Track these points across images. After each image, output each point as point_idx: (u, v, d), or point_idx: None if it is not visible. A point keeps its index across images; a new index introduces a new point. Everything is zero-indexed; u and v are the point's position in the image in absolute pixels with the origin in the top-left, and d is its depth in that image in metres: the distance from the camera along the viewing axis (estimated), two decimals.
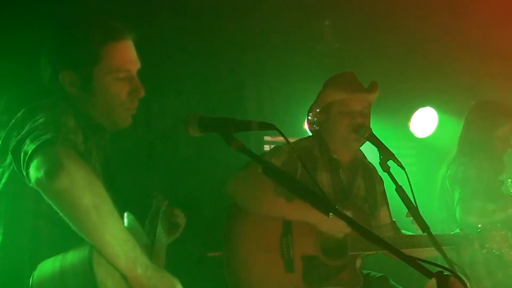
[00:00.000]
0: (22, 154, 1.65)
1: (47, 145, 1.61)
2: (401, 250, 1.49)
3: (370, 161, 3.14)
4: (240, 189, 2.76)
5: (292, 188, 1.73)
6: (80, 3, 2.80)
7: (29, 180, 1.62)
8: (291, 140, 3.05)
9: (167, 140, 4.25)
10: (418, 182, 4.36)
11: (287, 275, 2.69)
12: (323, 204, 1.61)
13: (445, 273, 1.36)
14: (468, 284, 1.68)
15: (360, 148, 3.05)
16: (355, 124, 2.84)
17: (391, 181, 2.54)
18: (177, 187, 3.75)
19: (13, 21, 2.98)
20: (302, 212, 2.67)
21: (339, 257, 2.73)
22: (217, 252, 2.86)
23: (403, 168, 2.49)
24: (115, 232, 1.63)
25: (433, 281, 1.36)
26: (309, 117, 3.07)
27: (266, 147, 4.65)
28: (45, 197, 1.61)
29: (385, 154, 2.58)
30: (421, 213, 2.45)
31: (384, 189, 3.13)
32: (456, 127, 3.90)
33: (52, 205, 1.61)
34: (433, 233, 2.41)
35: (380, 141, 2.69)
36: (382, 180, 3.12)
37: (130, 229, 1.75)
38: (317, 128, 3.05)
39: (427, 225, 2.44)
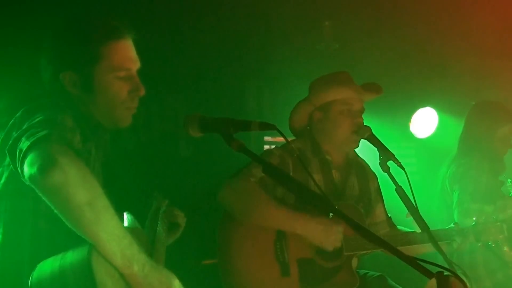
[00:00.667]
0: (17, 151, 1.65)
1: (42, 142, 1.61)
2: (399, 247, 1.48)
3: (370, 161, 3.14)
4: (232, 199, 2.73)
5: (292, 188, 1.73)
6: (79, 3, 2.81)
7: (24, 177, 1.62)
8: (290, 140, 3.03)
9: (167, 140, 4.26)
10: (418, 182, 4.37)
11: (284, 279, 2.67)
12: (323, 204, 1.61)
13: (445, 273, 1.36)
14: (468, 284, 1.67)
15: (360, 148, 3.03)
16: (356, 125, 2.82)
17: (391, 181, 2.54)
18: (176, 188, 3.75)
19: (12, 22, 2.98)
20: (294, 224, 2.64)
21: (335, 258, 2.70)
22: (213, 260, 2.84)
23: (403, 169, 2.48)
24: (110, 229, 1.63)
25: (433, 281, 1.37)
26: (299, 116, 2.99)
27: (266, 147, 4.65)
28: (39, 193, 1.61)
29: (385, 154, 2.58)
30: (421, 213, 2.45)
31: (378, 185, 3.11)
32: (456, 127, 3.90)
33: (46, 201, 1.61)
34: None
35: (380, 141, 2.68)
36: (376, 177, 3.10)
37: (129, 228, 1.75)
38: (308, 127, 3.00)
39: (427, 225, 2.44)
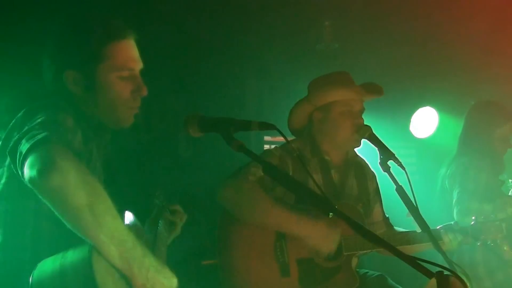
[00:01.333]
0: (18, 154, 1.65)
1: (41, 144, 1.62)
2: (398, 247, 1.48)
3: (370, 161, 3.14)
4: (231, 198, 2.72)
5: (292, 188, 1.73)
6: (79, 3, 2.81)
7: (24, 179, 1.62)
8: (290, 140, 3.03)
9: (167, 140, 4.26)
10: (418, 182, 4.37)
11: (284, 280, 2.67)
12: (323, 203, 1.61)
13: (445, 273, 1.36)
14: (468, 284, 1.68)
15: (360, 147, 3.02)
16: (357, 125, 2.82)
17: (391, 181, 2.54)
18: (176, 187, 3.75)
19: (15, 21, 2.98)
20: (291, 225, 2.64)
21: (334, 258, 2.70)
22: (212, 260, 2.84)
23: (404, 168, 2.48)
24: (111, 232, 1.63)
25: (433, 281, 1.37)
26: (298, 116, 2.98)
27: (266, 147, 4.65)
28: (39, 196, 1.61)
29: (386, 154, 2.57)
30: (421, 213, 2.45)
31: (377, 185, 3.11)
32: (456, 127, 3.90)
33: (46, 203, 1.61)
34: None
35: (381, 141, 2.68)
36: (375, 176, 3.10)
37: (130, 228, 1.75)
38: (307, 127, 2.99)
39: (427, 225, 2.44)
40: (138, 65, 2.04)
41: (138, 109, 2.05)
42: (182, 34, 3.92)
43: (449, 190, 3.58)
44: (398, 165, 2.53)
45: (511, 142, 3.64)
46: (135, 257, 1.67)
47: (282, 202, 2.73)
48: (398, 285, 2.85)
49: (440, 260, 2.29)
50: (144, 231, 2.29)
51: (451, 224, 2.93)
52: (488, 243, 2.96)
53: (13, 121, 1.82)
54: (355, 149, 3.02)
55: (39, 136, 1.63)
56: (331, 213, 1.59)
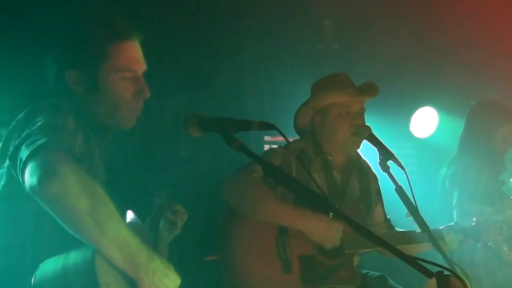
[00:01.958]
0: (18, 160, 1.65)
1: (40, 151, 1.61)
2: (399, 246, 1.48)
3: (370, 161, 3.14)
4: (234, 194, 2.74)
5: (292, 188, 1.73)
6: (79, 3, 2.81)
7: (25, 186, 1.62)
8: (291, 140, 3.03)
9: (167, 140, 4.25)
10: (418, 182, 4.37)
11: (285, 276, 2.68)
12: (323, 203, 1.61)
13: (445, 273, 1.36)
14: (468, 284, 1.68)
15: (359, 148, 3.03)
16: (355, 126, 2.82)
17: (391, 181, 2.54)
18: (177, 186, 3.75)
19: (18, 19, 2.98)
20: (295, 220, 2.65)
21: (336, 255, 2.71)
22: (214, 256, 2.84)
23: (403, 168, 2.48)
24: (114, 237, 1.63)
25: (433, 281, 1.37)
26: (301, 119, 3.02)
27: (266, 147, 4.65)
28: (40, 203, 1.61)
29: (385, 154, 2.57)
30: (421, 213, 2.45)
31: (379, 187, 3.12)
32: (456, 127, 3.89)
33: (47, 210, 1.61)
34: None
35: (380, 141, 2.68)
36: (377, 178, 3.12)
37: (132, 227, 1.75)
38: (310, 129, 3.01)
39: (427, 225, 2.44)
40: (142, 67, 2.04)
41: (139, 111, 2.04)
42: (182, 34, 3.92)
43: (450, 191, 3.58)
44: (397, 165, 2.53)
45: None
46: (140, 261, 1.67)
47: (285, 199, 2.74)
48: (399, 286, 2.85)
49: (440, 260, 2.29)
50: (146, 229, 2.30)
51: (452, 225, 2.93)
52: (489, 244, 2.96)
53: (14, 122, 1.82)
54: (357, 151, 3.03)
55: (39, 142, 1.63)
56: (331, 213, 1.59)
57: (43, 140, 1.64)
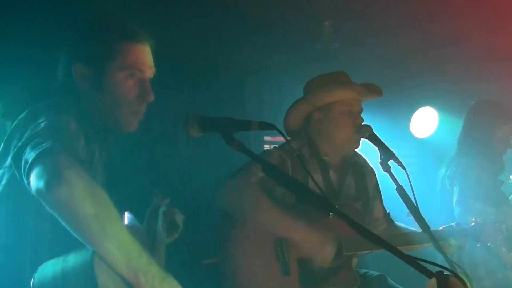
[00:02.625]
0: (23, 162, 1.65)
1: (47, 154, 1.61)
2: (399, 247, 1.48)
3: (371, 161, 3.13)
4: (230, 200, 2.72)
5: (292, 188, 1.73)
6: (83, 4, 2.82)
7: (31, 189, 1.62)
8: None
9: (167, 140, 4.25)
10: (418, 182, 4.37)
11: (284, 279, 2.67)
12: (323, 203, 1.61)
13: (445, 273, 1.36)
14: (468, 284, 1.67)
15: (360, 147, 3.02)
16: (357, 125, 2.82)
17: (391, 181, 2.54)
18: (176, 187, 3.75)
19: (27, 13, 2.97)
20: (290, 231, 2.63)
21: (335, 258, 2.70)
22: (213, 260, 2.84)
23: (404, 168, 2.48)
24: (118, 242, 1.63)
25: (433, 281, 1.36)
26: (297, 115, 2.97)
27: (266, 147, 4.65)
28: (45, 206, 1.61)
29: (386, 154, 2.57)
30: (421, 213, 2.45)
31: (377, 182, 3.11)
32: (456, 127, 3.90)
33: (53, 213, 1.61)
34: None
35: (381, 141, 2.68)
36: (374, 173, 3.10)
37: (129, 229, 1.75)
38: (303, 129, 2.98)
39: (427, 225, 2.44)
40: (149, 70, 2.04)
41: (142, 116, 2.04)
42: (182, 34, 3.92)
43: (450, 190, 3.58)
44: (398, 165, 2.53)
45: (511, 142, 3.64)
46: (141, 266, 1.67)
47: (283, 202, 2.73)
48: (398, 285, 2.85)
49: (440, 260, 2.29)
50: (143, 230, 2.29)
51: (453, 225, 2.93)
52: (488, 244, 2.96)
53: (15, 122, 1.82)
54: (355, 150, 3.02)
55: (45, 145, 1.63)
56: (331, 213, 1.59)
57: (49, 143, 1.64)
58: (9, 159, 1.75)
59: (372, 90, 2.90)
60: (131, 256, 1.65)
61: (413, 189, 2.45)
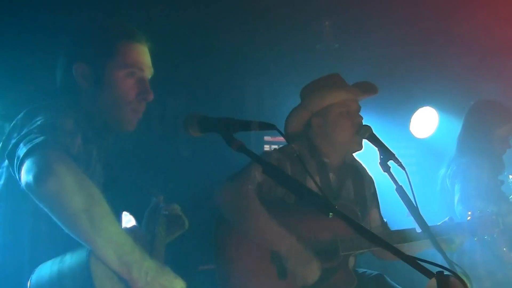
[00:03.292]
0: (15, 157, 1.65)
1: (38, 149, 1.62)
2: (396, 245, 1.48)
3: (370, 161, 3.13)
4: (226, 205, 2.72)
5: (292, 189, 1.73)
6: (81, 5, 2.82)
7: (21, 183, 1.62)
8: None
9: (167, 140, 4.25)
10: (418, 182, 4.37)
11: (281, 282, 2.65)
12: (323, 204, 1.61)
13: (445, 273, 1.36)
14: (468, 284, 1.67)
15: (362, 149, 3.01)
16: (357, 124, 2.81)
17: (391, 181, 2.53)
18: (176, 188, 3.75)
19: (26, 17, 2.97)
20: (279, 246, 2.61)
21: (331, 258, 2.70)
22: (210, 266, 2.83)
23: (404, 168, 2.48)
24: (108, 236, 1.63)
25: (433, 281, 1.36)
26: (296, 123, 2.96)
27: (266, 147, 4.65)
28: (35, 200, 1.61)
29: (386, 154, 2.57)
30: (421, 213, 2.45)
31: (375, 190, 3.11)
32: (456, 127, 3.89)
33: (43, 207, 1.61)
34: None
35: (381, 141, 2.68)
36: (373, 181, 3.10)
37: (129, 230, 1.75)
38: (303, 133, 2.97)
39: (427, 225, 2.44)
40: (148, 70, 2.06)
41: (141, 115, 2.05)
42: (182, 34, 3.92)
43: (450, 190, 3.58)
44: (398, 165, 2.52)
45: (510, 142, 3.64)
46: (133, 261, 1.66)
47: (283, 203, 2.72)
48: (396, 285, 2.85)
49: (440, 260, 2.29)
50: (142, 230, 2.29)
51: (446, 220, 2.94)
52: (485, 237, 2.96)
53: (14, 122, 1.82)
54: (355, 153, 3.01)
55: (37, 140, 1.63)
56: (331, 213, 1.59)
57: (41, 138, 1.64)
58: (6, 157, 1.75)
59: (366, 89, 2.90)
60: (123, 250, 1.65)
61: (413, 189, 2.44)
